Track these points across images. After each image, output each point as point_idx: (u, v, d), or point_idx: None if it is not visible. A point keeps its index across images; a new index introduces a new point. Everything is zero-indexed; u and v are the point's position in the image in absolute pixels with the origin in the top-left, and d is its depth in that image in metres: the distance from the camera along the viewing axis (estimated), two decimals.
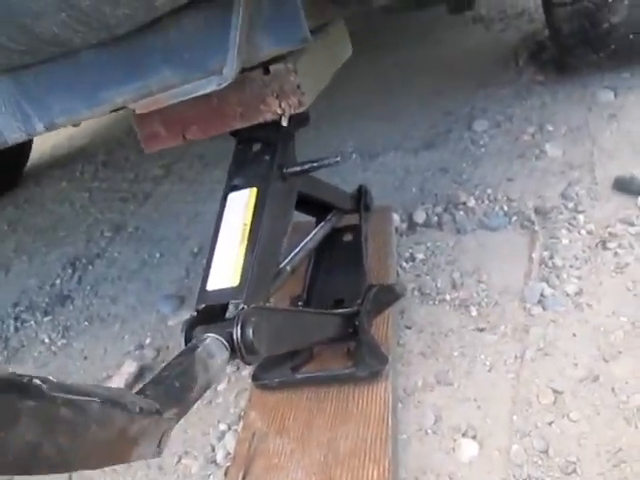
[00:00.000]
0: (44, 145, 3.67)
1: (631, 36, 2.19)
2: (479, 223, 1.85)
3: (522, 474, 1.16)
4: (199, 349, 0.91)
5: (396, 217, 1.93)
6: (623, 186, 1.81)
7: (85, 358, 1.84)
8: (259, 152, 1.24)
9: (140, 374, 1.66)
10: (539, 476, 1.15)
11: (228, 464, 1.31)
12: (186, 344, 0.98)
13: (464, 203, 1.93)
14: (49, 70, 0.91)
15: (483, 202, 1.93)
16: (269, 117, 1.09)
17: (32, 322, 2.08)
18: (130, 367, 1.65)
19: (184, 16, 0.84)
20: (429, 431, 1.30)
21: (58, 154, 3.62)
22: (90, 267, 2.30)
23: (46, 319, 2.08)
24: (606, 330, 1.41)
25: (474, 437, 1.26)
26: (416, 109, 2.63)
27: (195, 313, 1.05)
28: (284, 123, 1.12)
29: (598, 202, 1.81)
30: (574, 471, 1.15)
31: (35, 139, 3.29)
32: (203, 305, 1.06)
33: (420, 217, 1.94)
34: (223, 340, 0.95)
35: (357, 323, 1.36)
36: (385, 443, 1.18)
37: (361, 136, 2.53)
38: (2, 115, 0.94)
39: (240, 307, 1.02)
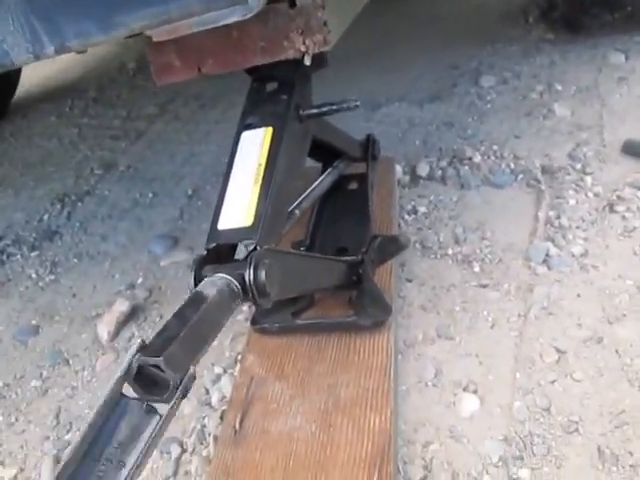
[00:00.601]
0: (32, 78, 3.55)
1: None
2: (484, 179, 1.81)
3: (523, 431, 1.15)
4: (210, 290, 0.88)
5: (399, 169, 1.89)
6: (632, 150, 1.78)
7: (74, 295, 1.79)
8: (275, 91, 1.18)
9: (132, 313, 1.62)
10: (541, 433, 1.14)
11: (223, 407, 1.28)
12: (195, 284, 0.94)
13: (469, 158, 1.89)
14: None
15: (489, 158, 1.89)
16: (292, 54, 1.03)
17: (19, 256, 2.03)
18: (122, 306, 1.61)
19: None
20: (429, 384, 1.28)
21: (47, 87, 3.50)
22: (79, 204, 2.24)
23: (33, 254, 2.02)
24: (611, 292, 1.39)
25: (475, 392, 1.24)
26: (422, 62, 2.57)
27: (205, 252, 1.01)
28: (307, 62, 1.06)
29: (606, 165, 1.78)
30: (576, 430, 1.14)
31: (23, 70, 3.18)
32: (214, 244, 1.02)
33: (423, 170, 1.89)
34: (234, 281, 0.92)
35: (361, 272, 1.32)
36: (387, 393, 1.16)
37: (365, 86, 2.47)
38: (11, 33, 0.87)
39: (252, 248, 0.98)
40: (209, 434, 1.26)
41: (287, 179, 1.12)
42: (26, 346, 1.65)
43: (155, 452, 1.24)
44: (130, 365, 0.76)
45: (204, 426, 1.28)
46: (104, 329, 1.58)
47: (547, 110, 2.07)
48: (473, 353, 1.32)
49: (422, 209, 1.76)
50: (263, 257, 0.95)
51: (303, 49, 1.02)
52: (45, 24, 0.86)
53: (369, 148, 1.65)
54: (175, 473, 1.22)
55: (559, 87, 2.18)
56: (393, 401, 1.15)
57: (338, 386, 1.19)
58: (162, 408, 0.76)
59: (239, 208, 1.05)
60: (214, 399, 1.33)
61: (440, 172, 1.88)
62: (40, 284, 1.88)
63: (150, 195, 2.17)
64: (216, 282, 0.90)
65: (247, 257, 0.95)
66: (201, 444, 1.25)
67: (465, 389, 1.25)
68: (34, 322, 1.72)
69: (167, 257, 1.84)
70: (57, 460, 1.30)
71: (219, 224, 1.04)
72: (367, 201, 1.52)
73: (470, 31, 2.72)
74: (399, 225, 1.69)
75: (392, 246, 1.48)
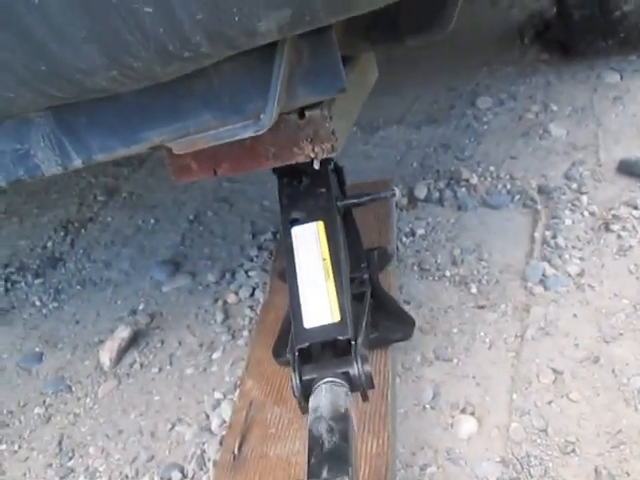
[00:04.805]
0: None
1: None
2: (481, 200, 1.83)
3: (521, 452, 1.16)
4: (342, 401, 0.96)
5: (396, 192, 1.91)
6: (628, 169, 1.79)
7: (77, 322, 1.81)
8: (310, 185, 1.23)
9: (133, 339, 1.64)
10: (538, 454, 1.15)
11: (223, 432, 1.29)
12: (300, 384, 1.00)
13: (466, 180, 1.91)
14: (90, 109, 0.91)
15: (486, 179, 1.91)
16: (301, 159, 1.07)
17: (22, 284, 2.05)
18: (123, 332, 1.63)
19: (226, 63, 0.83)
20: (427, 406, 1.28)
21: None
22: (83, 231, 2.26)
23: (37, 281, 2.04)
24: (607, 312, 1.40)
25: (473, 414, 1.25)
26: (419, 84, 2.59)
27: (297, 352, 1.04)
28: (316, 166, 1.10)
29: (602, 184, 1.79)
30: (573, 451, 1.14)
31: None
32: (307, 343, 1.05)
33: (421, 192, 1.91)
34: (341, 380, 0.98)
35: (370, 287, 1.33)
36: (384, 417, 1.17)
37: (362, 109, 2.49)
38: (41, 149, 0.95)
39: (350, 343, 1.03)
40: (209, 459, 1.27)
41: (347, 269, 1.18)
42: (30, 373, 1.67)
43: (155, 478, 1.27)
44: None
45: (204, 451, 1.29)
46: (106, 355, 1.59)
47: (543, 130, 2.09)
48: (470, 375, 1.33)
49: (420, 231, 1.77)
50: (363, 350, 1.01)
51: (312, 155, 1.05)
52: (73, 141, 0.94)
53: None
54: None
55: (555, 107, 2.20)
56: (391, 424, 1.16)
57: None
58: None
59: (321, 305, 1.08)
60: (214, 424, 1.34)
61: (438, 194, 1.90)
62: (44, 311, 1.90)
63: (152, 221, 2.19)
64: (336, 391, 0.97)
65: (352, 353, 1.01)
66: (201, 470, 1.26)
67: (463, 411, 1.26)
68: (37, 349, 1.74)
69: (169, 282, 1.85)
70: None
71: (305, 323, 1.07)
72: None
73: (466, 53, 2.74)
74: (397, 248, 1.71)
75: (384, 257, 1.50)
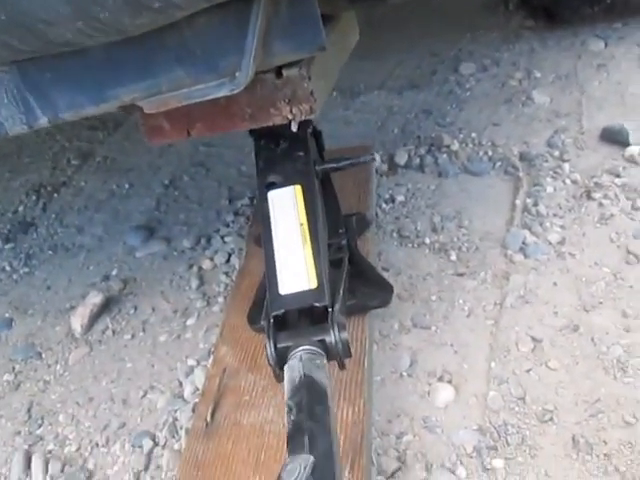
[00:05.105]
0: None
1: None
2: (462, 167, 1.80)
3: (498, 420, 1.14)
4: (316, 373, 0.92)
5: (376, 157, 1.87)
6: (611, 136, 1.78)
7: (48, 288, 1.77)
8: (288, 148, 1.19)
9: (106, 305, 1.60)
10: (515, 423, 1.13)
11: (196, 400, 1.27)
12: (275, 353, 0.97)
13: (447, 146, 1.88)
14: (56, 64, 0.87)
15: (467, 146, 1.88)
16: (278, 121, 1.04)
17: None
18: (95, 298, 1.59)
19: (200, 16, 0.80)
20: (404, 374, 1.27)
21: None
22: (55, 195, 2.21)
23: (7, 246, 1.98)
24: (588, 280, 1.39)
25: (450, 382, 1.23)
26: (401, 49, 2.55)
27: (272, 319, 1.01)
28: (294, 128, 1.07)
29: (584, 152, 1.77)
30: (551, 419, 1.13)
31: None
32: (282, 310, 1.02)
33: (401, 158, 1.88)
34: (318, 349, 0.96)
35: (348, 253, 1.30)
36: (360, 384, 1.15)
37: (343, 74, 2.43)
38: (5, 106, 0.90)
39: (328, 310, 1.00)
40: (181, 427, 1.24)
41: (324, 234, 1.15)
42: None
43: (126, 446, 1.24)
44: None
45: (176, 419, 1.26)
46: (77, 322, 1.55)
47: (526, 97, 2.06)
48: (448, 342, 1.31)
49: (400, 197, 1.74)
50: (340, 318, 0.98)
51: (290, 117, 1.03)
52: (38, 98, 0.90)
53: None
54: (146, 467, 1.20)
55: (538, 74, 2.17)
56: (367, 392, 1.14)
57: None
58: None
59: (297, 271, 1.05)
60: (187, 392, 1.31)
61: (418, 160, 1.86)
62: (14, 277, 1.85)
63: (127, 186, 2.14)
64: (312, 359, 0.94)
65: (329, 321, 0.98)
66: (173, 437, 1.23)
67: (440, 379, 1.24)
68: (7, 315, 1.69)
69: (143, 248, 1.81)
70: (28, 455, 1.28)
71: (280, 289, 1.04)
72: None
73: (450, 18, 2.70)
74: (376, 214, 1.68)
75: (362, 223, 1.48)
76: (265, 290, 1.11)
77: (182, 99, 0.89)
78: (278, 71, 0.99)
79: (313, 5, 0.85)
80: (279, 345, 0.98)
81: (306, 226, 1.10)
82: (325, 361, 0.96)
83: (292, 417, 0.87)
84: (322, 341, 0.97)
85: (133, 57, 0.86)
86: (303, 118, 1.03)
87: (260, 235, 1.51)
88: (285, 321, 1.02)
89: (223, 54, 0.85)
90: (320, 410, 0.88)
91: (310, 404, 0.88)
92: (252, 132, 1.20)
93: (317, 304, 1.01)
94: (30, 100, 0.89)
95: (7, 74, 0.88)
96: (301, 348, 0.95)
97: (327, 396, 0.90)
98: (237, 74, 0.85)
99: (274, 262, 1.08)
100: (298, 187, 1.14)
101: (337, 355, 0.98)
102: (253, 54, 0.83)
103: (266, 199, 1.14)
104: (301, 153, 1.19)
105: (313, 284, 1.04)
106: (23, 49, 0.77)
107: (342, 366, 1.01)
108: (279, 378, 0.98)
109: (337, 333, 0.97)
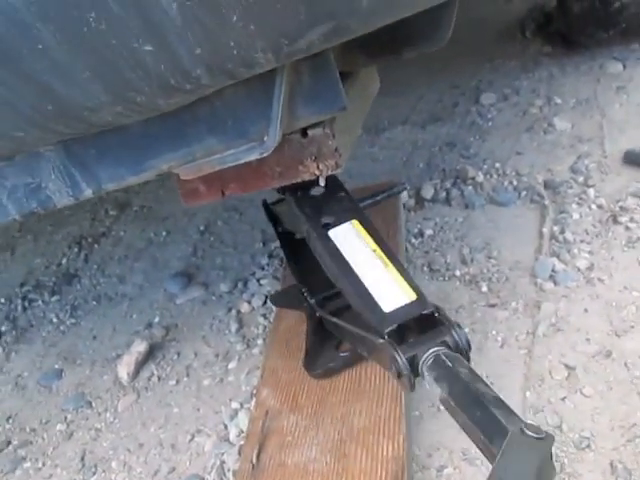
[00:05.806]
0: None
1: None
2: (488, 198, 1.84)
3: None
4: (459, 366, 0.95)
5: (404, 193, 1.92)
6: (634, 159, 1.79)
7: (94, 337, 1.84)
8: (328, 193, 1.24)
9: (150, 352, 1.66)
10: (553, 451, 1.15)
11: (241, 442, 1.31)
12: (410, 365, 0.99)
13: (473, 178, 1.92)
14: (98, 141, 0.94)
15: (492, 177, 1.91)
16: (306, 177, 1.09)
17: (40, 302, 2.08)
18: (140, 346, 1.65)
19: (228, 89, 0.85)
20: (441, 408, 1.29)
21: None
22: (96, 246, 2.29)
23: (54, 298, 2.07)
24: (618, 305, 1.41)
25: None
26: (423, 83, 2.60)
27: (386, 337, 1.04)
28: (322, 183, 1.14)
29: (608, 176, 1.79)
30: (588, 446, 1.15)
31: None
32: (395, 325, 1.05)
33: (428, 192, 1.92)
34: (446, 349, 0.98)
35: None
36: (399, 420, 1.18)
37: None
38: (52, 181, 0.98)
39: (435, 314, 1.04)
40: (228, 469, 1.29)
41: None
42: (50, 390, 1.70)
43: None
44: None
45: (223, 462, 1.31)
46: (124, 370, 1.62)
47: (547, 124, 2.09)
48: (484, 374, 1.33)
49: (428, 231, 1.78)
50: (449, 317, 1.02)
51: (317, 173, 1.07)
52: (83, 172, 0.97)
53: None
54: None
55: (558, 100, 2.20)
56: (405, 427, 1.17)
57: (351, 415, 1.22)
58: None
59: (392, 290, 1.09)
60: (232, 435, 1.36)
61: (445, 193, 1.90)
62: (61, 328, 1.93)
63: (164, 233, 2.21)
64: (447, 355, 0.97)
65: (445, 322, 1.02)
66: None
67: None
68: (57, 366, 1.77)
69: (182, 295, 1.88)
70: None
71: (384, 308, 1.07)
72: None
73: (469, 49, 2.74)
74: (406, 249, 1.72)
75: None
76: (316, 338, 1.20)
77: (215, 164, 0.95)
78: (303, 131, 1.03)
79: (332, 70, 0.90)
80: (406, 356, 1.00)
81: (380, 251, 1.14)
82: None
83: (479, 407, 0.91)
84: (444, 342, 0.99)
85: (168, 130, 0.92)
86: (329, 173, 1.07)
87: (277, 294, 1.58)
88: (399, 335, 1.05)
89: (252, 121, 0.91)
90: (485, 387, 0.92)
91: (475, 386, 0.92)
92: (284, 188, 1.26)
93: (425, 312, 1.05)
94: (75, 175, 0.96)
95: (53, 152, 0.95)
96: (431, 351, 0.98)
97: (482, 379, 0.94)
98: (265, 138, 0.90)
99: (365, 288, 1.11)
100: (354, 221, 1.20)
101: (463, 349, 1.00)
102: (279, 120, 0.88)
103: (328, 237, 1.19)
104: (342, 194, 1.25)
105: (413, 296, 1.07)
106: (68, 132, 0.84)
107: (469, 360, 1.03)
108: (412, 388, 1.01)
109: (457, 329, 1.00)
